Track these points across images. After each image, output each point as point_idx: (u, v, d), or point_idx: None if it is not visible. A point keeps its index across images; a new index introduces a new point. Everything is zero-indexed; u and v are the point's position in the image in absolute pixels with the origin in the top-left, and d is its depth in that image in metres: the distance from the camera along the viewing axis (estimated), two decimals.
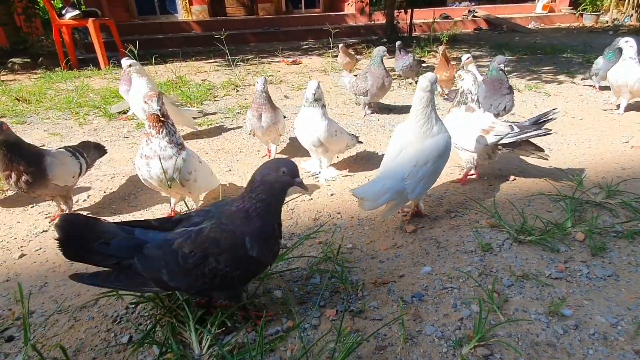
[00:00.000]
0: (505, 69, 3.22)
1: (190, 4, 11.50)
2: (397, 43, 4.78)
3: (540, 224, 1.94)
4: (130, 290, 1.28)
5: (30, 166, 1.98)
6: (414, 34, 9.28)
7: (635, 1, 10.27)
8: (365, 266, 1.75)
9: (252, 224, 1.21)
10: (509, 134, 2.27)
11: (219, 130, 3.65)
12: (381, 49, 3.78)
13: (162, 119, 1.90)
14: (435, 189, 2.43)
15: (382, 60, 3.78)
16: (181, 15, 11.63)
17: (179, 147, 1.96)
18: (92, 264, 1.24)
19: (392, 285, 1.62)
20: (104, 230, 1.22)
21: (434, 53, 7.08)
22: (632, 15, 10.47)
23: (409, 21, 8.98)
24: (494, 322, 1.41)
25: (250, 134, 2.87)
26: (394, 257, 1.81)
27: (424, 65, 5.25)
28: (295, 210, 2.26)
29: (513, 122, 2.39)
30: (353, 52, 5.79)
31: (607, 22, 10.88)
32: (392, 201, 1.92)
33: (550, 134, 2.41)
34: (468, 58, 3.71)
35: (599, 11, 11.15)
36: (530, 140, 2.38)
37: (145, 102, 1.87)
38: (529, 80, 5.07)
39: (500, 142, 2.29)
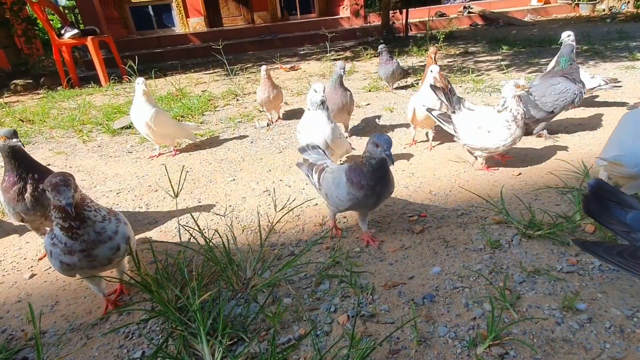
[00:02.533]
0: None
1: (187, 16, 11.62)
2: (381, 46, 4.51)
3: (549, 218, 1.92)
4: (628, 271, 1.16)
5: (44, 175, 1.88)
6: (410, 34, 9.30)
7: None
8: (374, 269, 1.74)
9: None
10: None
11: (221, 140, 3.67)
12: (339, 64, 3.13)
13: (77, 209, 1.36)
14: (440, 187, 2.42)
15: (340, 81, 3.10)
16: (179, 28, 11.76)
17: (112, 218, 1.50)
18: (603, 224, 1.31)
19: (402, 287, 1.61)
20: (625, 198, 1.28)
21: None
22: (628, 2, 10.43)
23: (404, 21, 9.01)
24: (507, 320, 1.40)
25: None
26: (402, 259, 1.80)
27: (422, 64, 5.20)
28: (301, 216, 2.25)
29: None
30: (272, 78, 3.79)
31: (604, 10, 10.83)
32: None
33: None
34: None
35: (595, 0, 11.11)
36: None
37: (48, 191, 1.31)
38: (529, 72, 5.05)
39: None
